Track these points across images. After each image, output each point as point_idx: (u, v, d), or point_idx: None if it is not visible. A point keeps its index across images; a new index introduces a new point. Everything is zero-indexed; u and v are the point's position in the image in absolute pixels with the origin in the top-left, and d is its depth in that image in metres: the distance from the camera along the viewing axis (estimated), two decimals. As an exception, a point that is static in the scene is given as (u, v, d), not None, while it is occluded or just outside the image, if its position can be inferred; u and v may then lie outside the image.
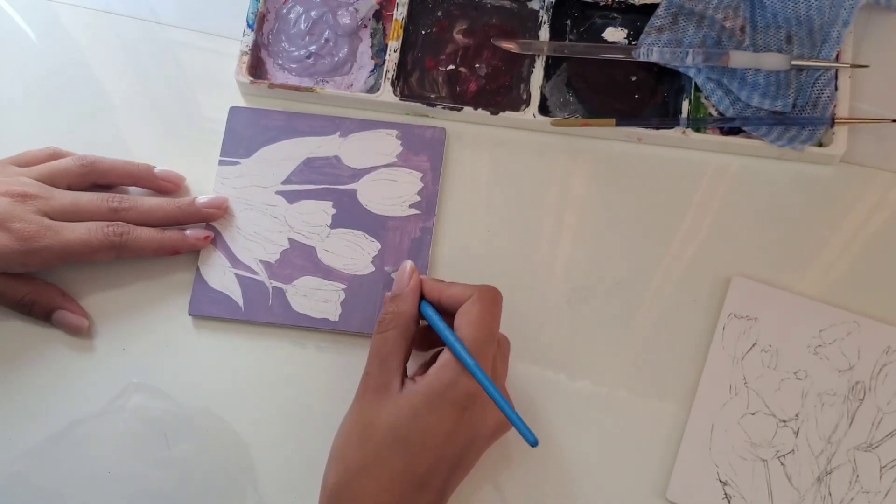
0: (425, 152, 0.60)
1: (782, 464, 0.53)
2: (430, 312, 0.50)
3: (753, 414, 0.54)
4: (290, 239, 0.58)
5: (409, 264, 0.52)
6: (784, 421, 0.54)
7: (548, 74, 0.61)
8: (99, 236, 0.54)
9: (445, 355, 0.48)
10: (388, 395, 0.48)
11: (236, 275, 0.58)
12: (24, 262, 0.53)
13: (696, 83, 0.60)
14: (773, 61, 0.59)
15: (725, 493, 0.52)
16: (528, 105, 0.60)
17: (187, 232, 0.57)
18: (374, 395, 0.48)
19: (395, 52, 0.62)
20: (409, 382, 0.48)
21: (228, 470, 0.54)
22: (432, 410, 0.46)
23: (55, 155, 0.59)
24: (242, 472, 0.54)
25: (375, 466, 0.46)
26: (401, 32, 0.62)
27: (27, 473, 0.54)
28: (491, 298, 0.50)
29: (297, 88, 0.61)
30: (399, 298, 0.51)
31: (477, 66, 0.62)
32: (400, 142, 0.60)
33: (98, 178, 0.58)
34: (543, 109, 0.61)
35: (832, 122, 0.58)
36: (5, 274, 0.54)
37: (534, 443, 0.45)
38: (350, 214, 0.59)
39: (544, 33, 0.62)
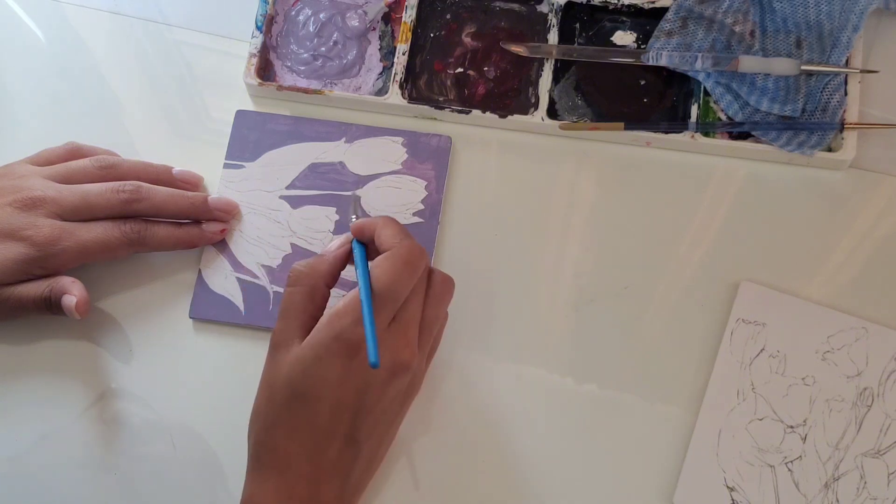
0: (430, 160, 0.60)
1: (790, 470, 0.53)
2: (358, 252, 0.50)
3: (761, 419, 0.54)
4: (292, 244, 0.58)
5: (346, 235, 0.52)
6: (792, 427, 0.54)
7: (556, 78, 0.61)
8: (116, 234, 0.54)
9: (336, 307, 0.48)
10: (286, 352, 0.48)
11: (238, 279, 0.58)
12: (44, 266, 0.53)
13: (705, 87, 0.60)
14: (782, 66, 0.59)
15: (733, 499, 0.52)
16: (536, 108, 0.60)
17: (203, 226, 0.58)
18: (277, 352, 0.49)
19: (403, 54, 0.62)
20: (306, 337, 0.49)
21: (219, 470, 0.55)
22: (319, 363, 0.47)
23: (74, 151, 0.59)
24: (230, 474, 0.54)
25: (282, 421, 0.48)
26: (409, 35, 0.62)
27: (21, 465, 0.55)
28: (405, 258, 0.48)
29: (306, 91, 0.61)
30: (319, 258, 0.51)
31: (485, 69, 0.62)
32: (405, 149, 0.60)
33: (117, 181, 0.57)
34: (552, 113, 0.61)
35: (841, 127, 0.58)
36: (25, 281, 0.54)
37: (373, 364, 0.45)
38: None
39: (553, 37, 0.62)
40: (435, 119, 0.61)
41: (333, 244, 0.52)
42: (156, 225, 0.56)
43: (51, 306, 0.53)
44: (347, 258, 0.52)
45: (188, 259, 0.58)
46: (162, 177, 0.58)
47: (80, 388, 0.56)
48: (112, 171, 0.57)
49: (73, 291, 0.53)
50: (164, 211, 0.56)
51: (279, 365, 0.48)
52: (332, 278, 0.51)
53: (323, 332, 0.47)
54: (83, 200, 0.55)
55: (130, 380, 0.56)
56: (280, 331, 0.49)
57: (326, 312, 0.48)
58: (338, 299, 0.49)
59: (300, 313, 0.49)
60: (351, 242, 0.52)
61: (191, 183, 0.59)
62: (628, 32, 0.63)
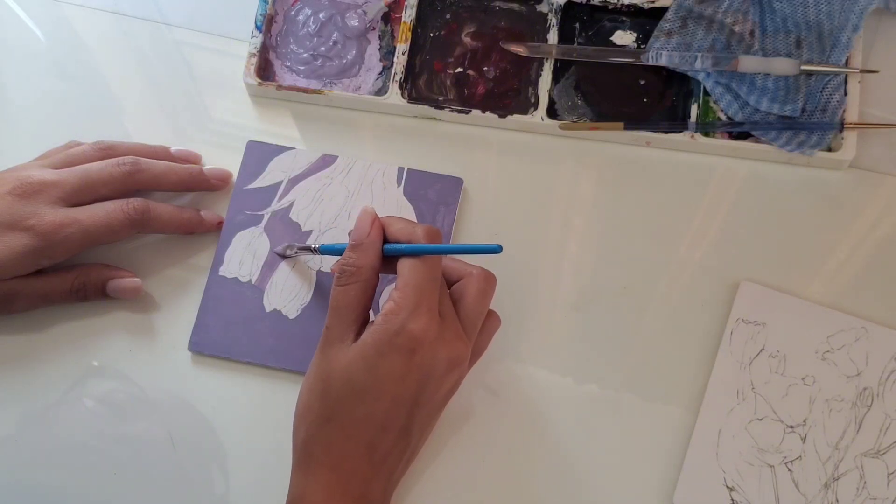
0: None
1: (789, 470, 0.53)
2: (394, 248, 0.49)
3: (761, 419, 0.54)
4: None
5: (369, 211, 0.50)
6: (791, 427, 0.54)
7: (556, 78, 0.61)
8: (119, 217, 0.55)
9: (389, 304, 0.48)
10: (343, 348, 0.48)
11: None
12: (51, 256, 0.54)
13: (704, 87, 0.60)
14: (782, 66, 0.59)
15: (732, 499, 0.52)
16: (536, 108, 0.60)
17: (203, 213, 0.58)
18: (332, 348, 0.49)
19: (403, 54, 0.62)
20: (362, 332, 0.49)
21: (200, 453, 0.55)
22: (382, 359, 0.47)
23: (74, 145, 0.59)
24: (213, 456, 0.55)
25: (338, 416, 0.48)
26: (409, 35, 0.62)
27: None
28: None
29: (305, 90, 0.61)
30: (361, 250, 0.49)
31: (485, 68, 0.62)
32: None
33: None
34: (552, 113, 0.61)
35: (841, 127, 0.58)
36: (41, 273, 0.54)
37: (498, 249, 0.46)
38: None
39: (553, 36, 0.62)
40: (435, 119, 0.61)
41: (363, 228, 0.50)
42: (159, 205, 0.56)
43: (85, 297, 0.56)
44: (382, 240, 0.50)
45: (194, 255, 0.59)
46: (160, 154, 0.59)
47: (71, 374, 0.56)
48: (111, 152, 0.57)
49: (115, 275, 0.56)
50: (164, 181, 0.57)
51: (334, 361, 0.48)
52: (379, 266, 0.50)
53: (382, 328, 0.47)
54: (85, 179, 0.55)
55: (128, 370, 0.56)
56: (333, 327, 0.49)
57: (378, 316, 0.48)
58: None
59: (354, 309, 0.49)
60: (375, 222, 0.50)
61: (190, 160, 0.60)
62: (628, 32, 0.63)
